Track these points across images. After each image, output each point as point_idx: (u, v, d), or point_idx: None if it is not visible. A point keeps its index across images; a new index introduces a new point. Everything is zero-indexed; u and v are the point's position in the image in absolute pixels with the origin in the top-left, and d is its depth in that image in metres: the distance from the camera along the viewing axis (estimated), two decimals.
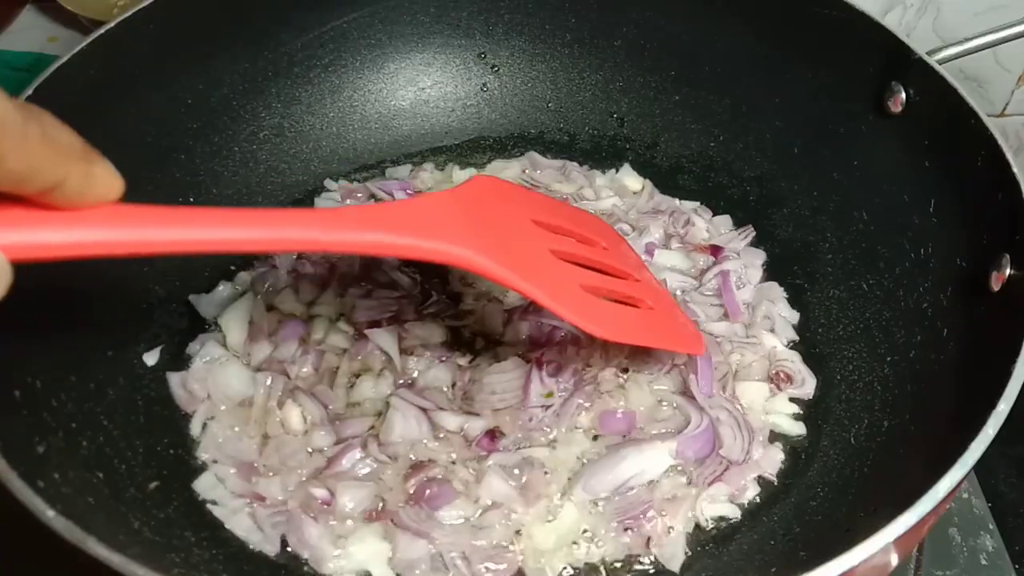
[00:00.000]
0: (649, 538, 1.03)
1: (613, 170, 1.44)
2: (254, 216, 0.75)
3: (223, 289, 1.24)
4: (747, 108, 1.37)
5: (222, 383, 1.13)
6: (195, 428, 1.10)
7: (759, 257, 1.32)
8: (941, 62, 1.09)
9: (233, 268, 1.26)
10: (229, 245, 0.73)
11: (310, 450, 1.08)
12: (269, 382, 1.13)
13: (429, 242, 0.85)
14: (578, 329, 1.08)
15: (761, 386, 1.17)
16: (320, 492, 1.03)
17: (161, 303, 1.19)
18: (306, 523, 1.01)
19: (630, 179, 1.43)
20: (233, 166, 1.33)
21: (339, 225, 0.81)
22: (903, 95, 1.13)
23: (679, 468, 1.08)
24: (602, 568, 1.01)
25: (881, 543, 0.75)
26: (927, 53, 1.10)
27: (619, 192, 1.40)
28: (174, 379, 1.13)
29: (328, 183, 1.39)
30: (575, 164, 1.45)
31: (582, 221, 1.12)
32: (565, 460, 1.08)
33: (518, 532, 1.02)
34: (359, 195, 1.37)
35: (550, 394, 1.12)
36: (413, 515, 1.02)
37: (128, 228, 0.67)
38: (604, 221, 1.23)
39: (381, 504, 1.03)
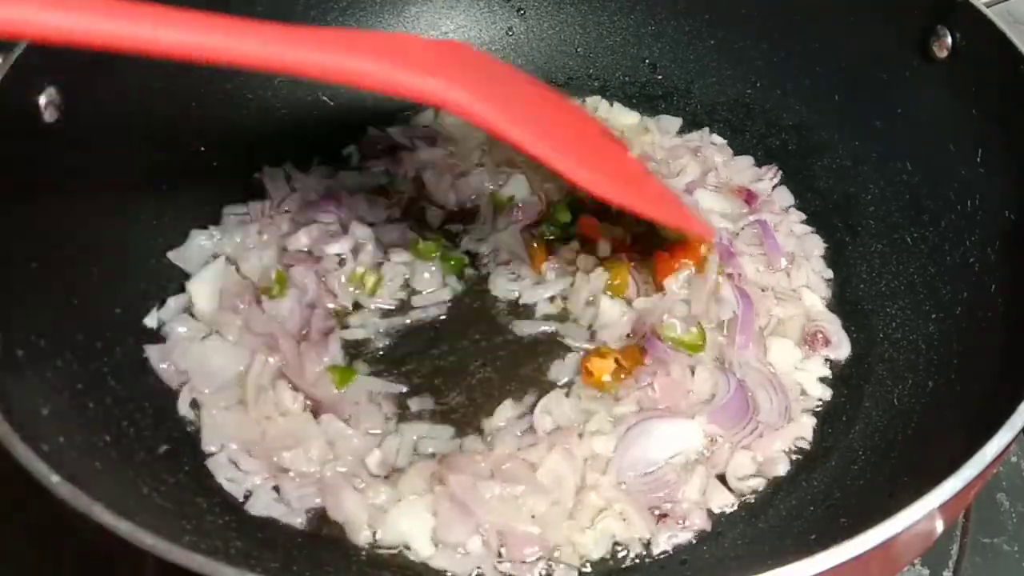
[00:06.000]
0: (679, 512, 1.00)
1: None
2: (227, 24, 0.71)
3: (198, 240, 1.18)
4: (785, 53, 1.33)
5: (203, 361, 1.07)
6: (182, 407, 1.04)
7: (789, 199, 1.30)
8: (989, 5, 1.06)
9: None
10: (191, 50, 0.70)
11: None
12: (256, 361, 1.07)
13: (424, 79, 0.80)
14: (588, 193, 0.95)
15: (794, 346, 1.14)
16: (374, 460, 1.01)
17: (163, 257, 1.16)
18: (344, 490, 0.98)
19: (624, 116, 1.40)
20: (248, 114, 1.29)
21: (321, 45, 0.76)
22: (949, 39, 1.09)
23: (711, 439, 1.05)
24: (634, 544, 0.98)
25: (926, 509, 0.72)
26: None
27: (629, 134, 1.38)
28: (153, 352, 1.07)
29: None
30: None
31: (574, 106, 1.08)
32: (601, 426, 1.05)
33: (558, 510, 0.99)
34: (379, 146, 1.33)
35: None
36: (462, 484, 0.97)
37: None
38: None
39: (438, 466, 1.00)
